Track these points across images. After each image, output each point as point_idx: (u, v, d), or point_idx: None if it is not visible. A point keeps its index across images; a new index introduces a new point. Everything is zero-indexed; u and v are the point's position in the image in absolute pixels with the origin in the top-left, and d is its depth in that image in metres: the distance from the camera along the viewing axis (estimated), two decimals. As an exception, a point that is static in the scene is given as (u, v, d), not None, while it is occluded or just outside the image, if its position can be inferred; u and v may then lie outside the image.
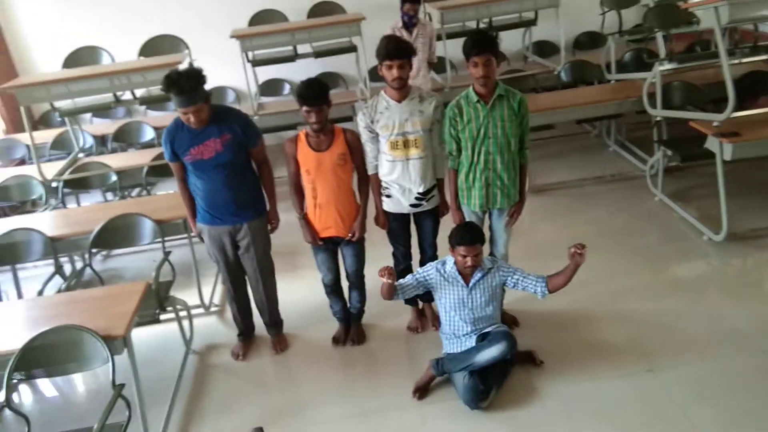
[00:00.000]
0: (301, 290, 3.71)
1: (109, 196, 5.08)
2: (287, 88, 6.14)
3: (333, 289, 3.21)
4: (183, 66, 3.88)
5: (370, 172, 2.96)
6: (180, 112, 2.69)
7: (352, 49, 5.28)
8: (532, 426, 2.61)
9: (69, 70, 4.88)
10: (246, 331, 3.34)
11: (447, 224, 2.93)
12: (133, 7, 5.83)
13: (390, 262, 3.20)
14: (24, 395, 3.26)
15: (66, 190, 4.53)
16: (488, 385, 2.72)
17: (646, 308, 3.26)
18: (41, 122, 6.14)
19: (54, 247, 3.43)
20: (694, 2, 3.58)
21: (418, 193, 2.91)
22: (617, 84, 5.03)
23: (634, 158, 5.06)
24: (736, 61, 4.33)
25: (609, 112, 4.85)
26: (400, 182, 2.90)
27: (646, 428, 2.52)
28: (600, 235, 4.01)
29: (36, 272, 4.07)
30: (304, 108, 2.75)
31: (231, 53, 5.00)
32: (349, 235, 2.99)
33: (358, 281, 3.19)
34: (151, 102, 4.84)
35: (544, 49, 6.12)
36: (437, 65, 5.21)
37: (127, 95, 4.61)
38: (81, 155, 4.94)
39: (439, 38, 5.03)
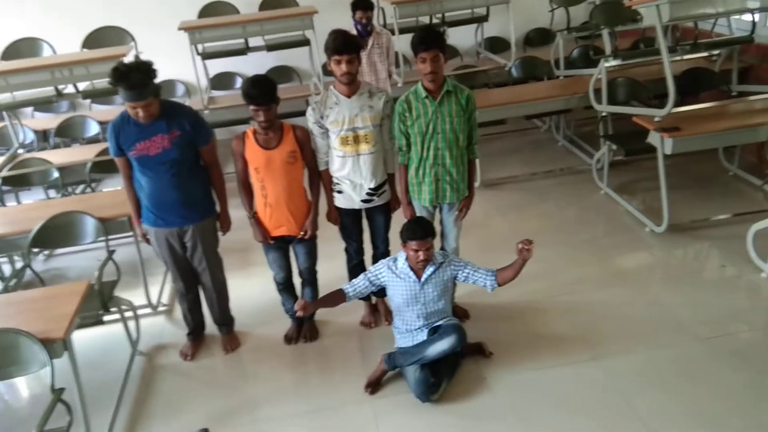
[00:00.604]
0: (252, 288, 3.66)
1: (52, 193, 4.90)
2: (239, 81, 6.03)
3: (285, 286, 3.19)
4: (128, 58, 3.76)
5: (321, 168, 2.94)
6: (128, 107, 2.60)
7: (305, 42, 5.25)
8: (481, 416, 2.66)
9: (7, 63, 4.67)
10: (196, 330, 3.27)
11: (399, 219, 2.94)
12: (76, -3, 5.62)
13: (343, 257, 3.20)
14: (-40, 402, 3.12)
15: (5, 188, 4.34)
16: (439, 378, 2.75)
17: (593, 298, 3.35)
18: (-23, 117, 5.87)
19: (-9, 247, 3.29)
20: (637, 0, 3.68)
21: (370, 189, 2.91)
22: (566, 80, 5.14)
23: (582, 153, 5.19)
24: (678, 58, 4.46)
25: (558, 108, 4.95)
26: (351, 178, 2.89)
27: (591, 415, 2.60)
28: (549, 228, 4.10)
29: (-28, 274, 3.89)
30: (251, 107, 2.70)
31: (180, 45, 4.88)
32: (302, 233, 2.96)
33: (310, 278, 3.17)
34: (95, 95, 4.70)
35: (496, 45, 6.20)
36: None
37: (69, 89, 4.45)
38: (21, 151, 4.74)
39: (392, 33, 5.03)
